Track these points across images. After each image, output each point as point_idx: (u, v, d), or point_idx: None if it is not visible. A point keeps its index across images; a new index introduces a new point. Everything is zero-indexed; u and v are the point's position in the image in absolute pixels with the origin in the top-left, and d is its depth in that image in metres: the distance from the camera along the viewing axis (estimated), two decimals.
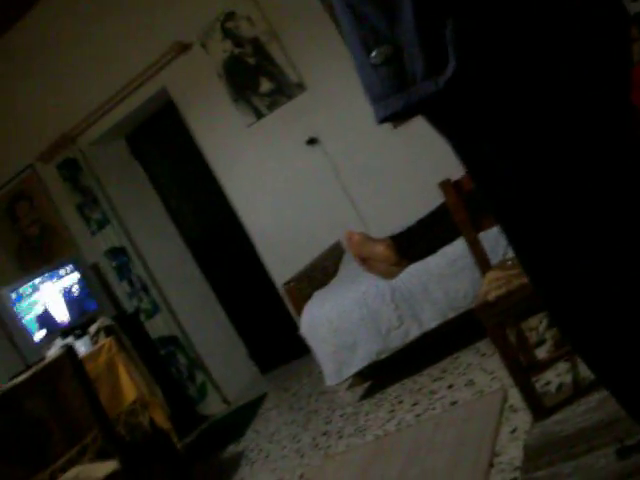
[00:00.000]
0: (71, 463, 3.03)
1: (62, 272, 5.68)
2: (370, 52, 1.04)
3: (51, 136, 5.90)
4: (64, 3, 5.61)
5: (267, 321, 6.07)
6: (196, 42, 5.24)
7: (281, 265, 5.20)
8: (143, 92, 5.55)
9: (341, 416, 4.03)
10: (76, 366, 2.38)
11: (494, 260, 3.09)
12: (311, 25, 4.84)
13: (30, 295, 5.52)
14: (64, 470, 2.97)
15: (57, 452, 2.36)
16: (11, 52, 5.92)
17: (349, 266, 4.39)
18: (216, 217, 6.05)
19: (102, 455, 3.09)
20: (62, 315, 5.55)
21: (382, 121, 1.08)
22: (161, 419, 3.65)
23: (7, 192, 6.39)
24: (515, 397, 2.80)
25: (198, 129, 5.46)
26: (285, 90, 5.02)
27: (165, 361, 5.76)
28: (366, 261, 3.49)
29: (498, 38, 0.99)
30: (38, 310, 5.49)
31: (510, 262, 2.70)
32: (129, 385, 3.50)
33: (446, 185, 2.74)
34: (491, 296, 2.45)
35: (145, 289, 5.81)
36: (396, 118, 1.07)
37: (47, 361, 2.32)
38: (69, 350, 2.36)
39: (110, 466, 2.61)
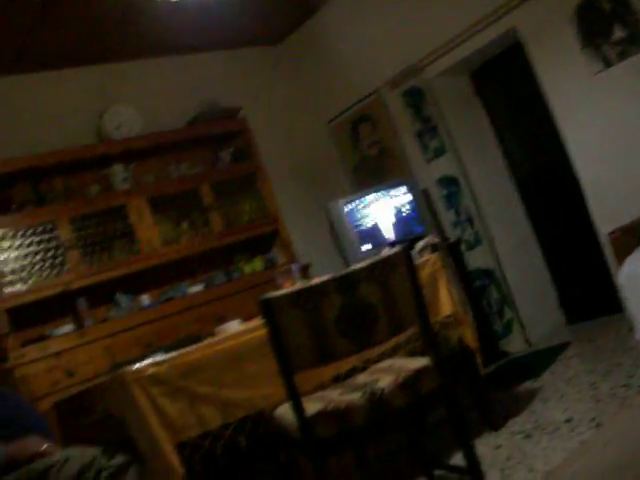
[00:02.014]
0: (384, 356, 3.34)
1: (395, 193, 6.02)
2: None
3: (400, 64, 6.18)
4: None
5: (583, 271, 6.03)
6: None
7: (608, 216, 5.11)
8: (492, 31, 5.61)
9: None
10: (409, 264, 2.62)
11: None
12: None
13: (363, 209, 5.92)
14: (376, 362, 3.28)
15: (379, 338, 2.63)
16: None
17: None
18: (548, 160, 6.05)
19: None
20: (389, 232, 5.91)
21: None
22: (470, 338, 3.84)
23: (353, 113, 6.83)
24: None
25: (543, 72, 5.44)
26: (638, 40, 4.88)
27: (478, 293, 5.94)
28: None
29: None
30: (368, 224, 5.88)
31: None
32: (447, 300, 3.72)
33: None
34: None
35: (470, 220, 6.00)
36: None
37: (386, 254, 2.58)
38: (405, 248, 2.61)
39: (422, 361, 2.85)
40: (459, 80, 6.34)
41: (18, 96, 5.99)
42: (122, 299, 5.66)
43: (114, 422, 3.02)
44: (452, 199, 6.10)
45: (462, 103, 6.33)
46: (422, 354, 3.06)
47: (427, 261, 3.75)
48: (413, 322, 2.71)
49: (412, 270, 2.65)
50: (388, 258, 2.58)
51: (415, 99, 6.16)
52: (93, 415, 3.36)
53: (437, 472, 3.52)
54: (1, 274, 5.20)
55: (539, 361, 5.28)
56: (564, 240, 6.16)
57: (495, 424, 4.05)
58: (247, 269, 6.16)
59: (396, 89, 6.31)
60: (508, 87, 6.28)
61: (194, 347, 2.86)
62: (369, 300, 2.54)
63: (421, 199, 6.10)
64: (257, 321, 3.12)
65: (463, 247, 6.00)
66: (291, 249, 6.31)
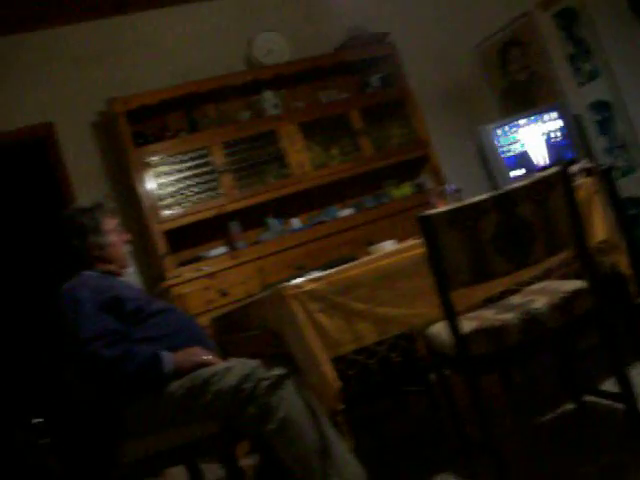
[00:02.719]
0: (536, 280, 3.31)
1: (545, 117, 5.89)
2: None
3: None
4: None
5: None
6: None
7: None
8: None
9: None
10: (567, 184, 2.59)
11: None
12: None
13: (512, 134, 5.83)
14: (528, 285, 3.26)
15: (536, 258, 2.62)
16: None
17: None
18: None
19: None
20: (539, 158, 5.81)
21: None
22: (624, 264, 3.74)
23: (502, 37, 6.67)
24: None
25: None
26: None
27: (630, 222, 5.76)
28: None
29: None
30: (517, 149, 5.80)
31: None
32: (601, 224, 3.63)
33: None
34: None
35: (624, 147, 5.81)
36: None
37: (544, 174, 2.56)
38: (564, 168, 2.58)
39: (577, 284, 2.82)
40: None
41: (171, 26, 6.19)
42: (273, 222, 5.81)
43: (270, 337, 3.13)
44: (605, 125, 5.91)
45: (619, 22, 6.04)
46: (575, 278, 3.02)
47: (582, 185, 3.67)
48: (569, 243, 2.68)
49: (570, 190, 2.62)
50: (547, 177, 2.56)
51: (568, 20, 5.96)
52: (249, 330, 3.50)
53: (586, 398, 3.50)
54: (159, 197, 5.42)
55: None
56: None
57: None
58: (396, 194, 6.19)
59: (548, 10, 6.11)
60: None
61: (350, 265, 2.93)
62: (527, 219, 2.53)
63: (572, 125, 5.94)
64: (411, 241, 3.16)
65: (615, 174, 5.81)
66: (440, 174, 6.27)
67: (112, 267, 3.46)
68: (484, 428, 2.70)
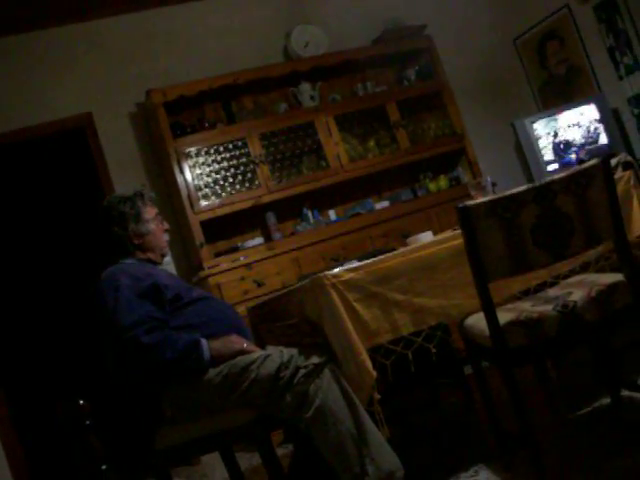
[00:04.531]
0: (573, 273, 3.29)
1: (582, 111, 5.87)
2: None
3: None
4: None
5: None
6: None
7: None
8: None
9: None
10: (607, 177, 2.58)
11: None
12: None
13: (550, 128, 5.81)
14: (565, 278, 3.25)
15: (575, 250, 2.61)
16: None
17: None
18: None
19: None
20: (577, 151, 5.78)
21: None
22: None
23: (540, 30, 6.65)
24: None
25: None
26: None
27: None
28: None
29: None
30: (555, 143, 5.78)
31: None
32: (638, 218, 3.61)
33: None
34: None
35: None
36: None
37: (584, 166, 2.54)
38: (605, 161, 2.57)
39: (616, 277, 2.80)
40: None
41: (210, 18, 6.24)
42: (309, 214, 5.83)
43: (308, 326, 3.14)
44: None
45: None
46: (612, 272, 3.00)
47: (621, 178, 3.63)
48: (608, 236, 2.67)
49: (611, 182, 2.60)
50: (587, 169, 2.55)
51: (608, 12, 5.93)
52: (286, 319, 3.51)
53: (623, 392, 3.47)
54: (196, 188, 5.46)
55: None
56: None
57: None
58: (432, 187, 6.18)
59: (587, 3, 6.08)
60: None
61: (389, 255, 2.93)
62: (566, 211, 2.53)
63: (610, 118, 5.91)
64: (449, 232, 3.17)
65: None
66: (476, 167, 6.26)
67: (151, 255, 3.48)
68: (520, 421, 2.69)
